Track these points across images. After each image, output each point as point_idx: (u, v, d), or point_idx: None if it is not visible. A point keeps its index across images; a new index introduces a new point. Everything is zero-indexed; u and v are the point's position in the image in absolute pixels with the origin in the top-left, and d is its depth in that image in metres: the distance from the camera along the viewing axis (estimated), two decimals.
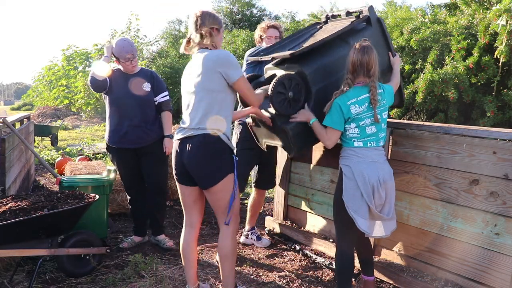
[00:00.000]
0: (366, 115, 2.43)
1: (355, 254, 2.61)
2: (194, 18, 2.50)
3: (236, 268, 3.22)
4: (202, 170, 2.44)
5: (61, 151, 9.06)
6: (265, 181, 3.70)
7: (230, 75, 2.41)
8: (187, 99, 2.53)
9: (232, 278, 2.60)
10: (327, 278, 3.05)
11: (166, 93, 3.67)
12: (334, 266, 2.78)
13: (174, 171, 2.58)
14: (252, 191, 3.76)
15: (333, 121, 2.46)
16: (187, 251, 2.65)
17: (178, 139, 2.50)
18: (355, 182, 2.41)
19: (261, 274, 3.14)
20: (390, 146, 2.90)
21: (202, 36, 2.47)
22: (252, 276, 3.10)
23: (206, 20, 2.47)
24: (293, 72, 2.68)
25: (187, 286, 2.71)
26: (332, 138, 2.50)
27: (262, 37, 3.63)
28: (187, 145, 2.43)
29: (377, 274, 2.81)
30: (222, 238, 2.58)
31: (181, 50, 2.60)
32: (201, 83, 2.43)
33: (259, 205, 3.77)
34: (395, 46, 8.73)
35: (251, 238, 3.74)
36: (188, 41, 2.55)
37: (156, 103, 3.58)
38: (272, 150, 3.48)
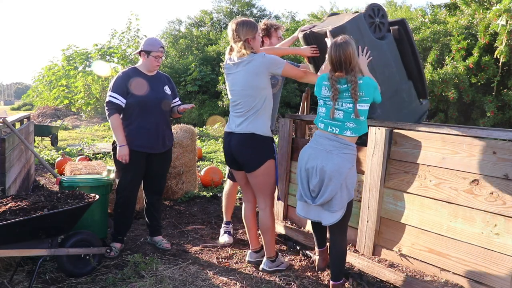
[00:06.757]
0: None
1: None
2: (231, 33, 2.95)
3: (236, 267, 3.25)
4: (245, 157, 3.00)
5: (61, 151, 9.07)
6: None
7: (277, 71, 2.92)
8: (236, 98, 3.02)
9: (273, 247, 3.16)
10: (327, 278, 3.05)
11: (178, 97, 3.69)
12: (330, 264, 2.83)
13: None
14: (226, 183, 3.89)
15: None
16: (248, 220, 3.28)
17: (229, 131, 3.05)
18: (298, 164, 2.70)
19: (261, 273, 3.14)
20: (390, 146, 2.90)
21: (240, 48, 2.90)
22: (252, 276, 3.11)
23: (241, 33, 2.89)
24: None
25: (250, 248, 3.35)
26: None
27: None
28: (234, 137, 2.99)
29: (377, 274, 2.82)
30: (261, 216, 3.11)
31: (226, 56, 3.10)
32: (248, 83, 2.91)
33: (234, 196, 3.93)
34: None
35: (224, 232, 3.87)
36: (231, 49, 3.02)
37: (171, 106, 3.60)
38: None
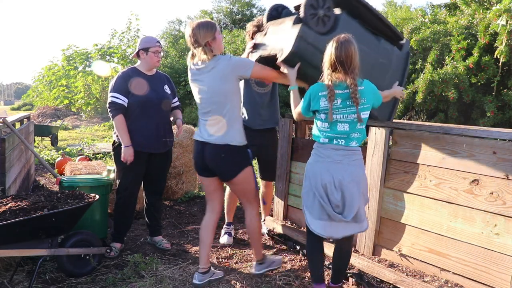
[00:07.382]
0: (339, 111, 2.42)
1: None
2: (188, 38, 2.74)
3: (236, 267, 3.25)
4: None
5: (61, 151, 9.06)
6: (269, 173, 3.95)
7: (245, 73, 2.75)
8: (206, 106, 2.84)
9: (260, 249, 3.12)
10: (327, 278, 3.05)
11: (177, 98, 3.69)
12: (332, 265, 2.80)
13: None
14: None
15: (303, 103, 2.57)
16: (204, 232, 2.99)
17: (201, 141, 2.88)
18: (309, 181, 2.52)
19: None
20: (390, 146, 2.90)
21: (201, 53, 2.72)
22: (252, 276, 3.10)
23: (199, 37, 2.69)
24: None
25: (198, 266, 2.99)
26: (297, 113, 2.67)
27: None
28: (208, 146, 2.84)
29: (377, 274, 2.82)
30: (248, 219, 3.04)
31: (188, 62, 2.88)
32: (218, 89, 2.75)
33: (235, 197, 3.85)
34: None
35: (225, 233, 3.85)
36: (193, 55, 2.81)
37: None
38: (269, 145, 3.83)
